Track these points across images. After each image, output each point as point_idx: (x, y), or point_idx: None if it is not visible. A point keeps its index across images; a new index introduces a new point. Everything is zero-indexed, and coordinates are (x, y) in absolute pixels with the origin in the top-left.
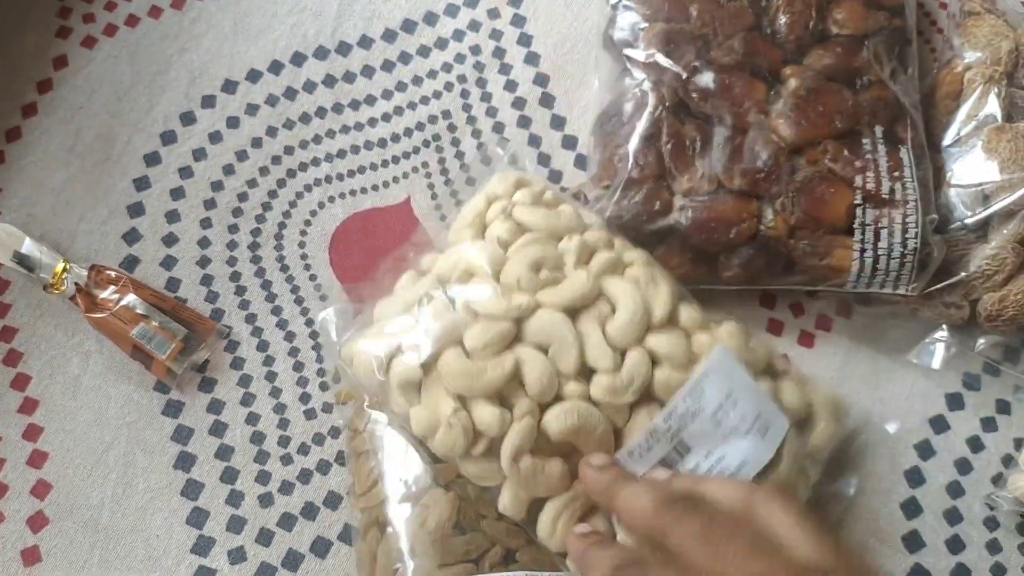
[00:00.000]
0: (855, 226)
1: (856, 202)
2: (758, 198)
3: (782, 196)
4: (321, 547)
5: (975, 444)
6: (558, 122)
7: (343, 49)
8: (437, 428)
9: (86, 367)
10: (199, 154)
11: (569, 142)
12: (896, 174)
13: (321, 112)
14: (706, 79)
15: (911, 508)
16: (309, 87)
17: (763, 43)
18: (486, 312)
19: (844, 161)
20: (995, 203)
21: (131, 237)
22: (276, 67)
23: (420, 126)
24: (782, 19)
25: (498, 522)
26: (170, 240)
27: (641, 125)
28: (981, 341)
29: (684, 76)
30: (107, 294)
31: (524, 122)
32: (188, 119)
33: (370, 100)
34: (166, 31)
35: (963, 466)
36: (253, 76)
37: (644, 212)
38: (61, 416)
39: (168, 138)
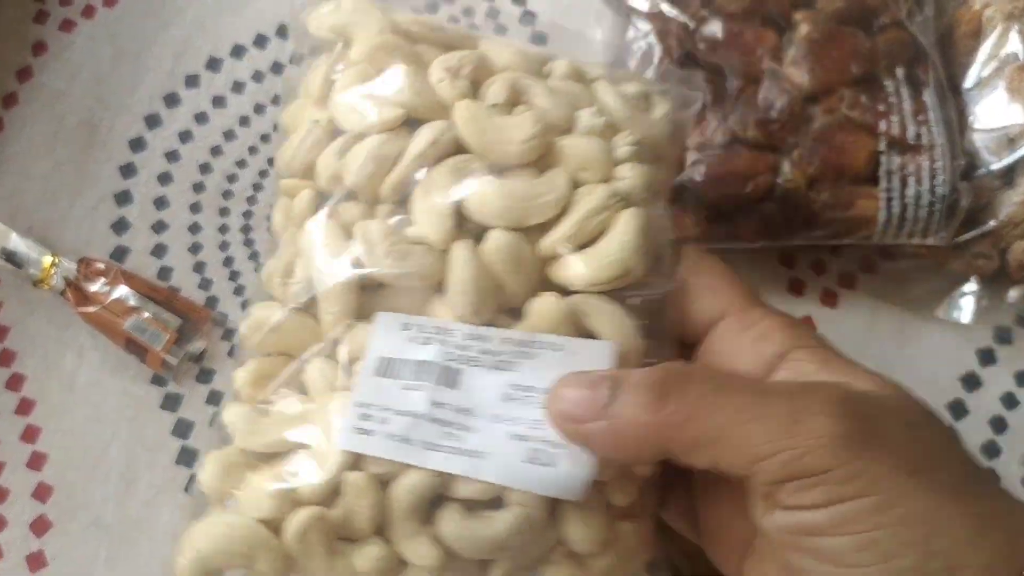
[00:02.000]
0: (880, 174)
1: (880, 149)
2: (774, 150)
3: (799, 147)
4: None
5: (1009, 401)
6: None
7: None
8: None
9: (81, 363)
10: (185, 136)
11: None
12: (920, 118)
13: None
14: (714, 28)
15: None
16: (297, 60)
17: None
18: None
19: (863, 107)
20: (1021, 147)
21: (120, 226)
22: (261, 41)
23: None
24: None
25: None
26: (160, 227)
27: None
28: (1013, 292)
29: (691, 26)
30: (97, 287)
31: None
32: (172, 100)
33: None
34: (146, 8)
35: (998, 425)
36: (237, 52)
37: None
38: (59, 415)
39: (153, 121)
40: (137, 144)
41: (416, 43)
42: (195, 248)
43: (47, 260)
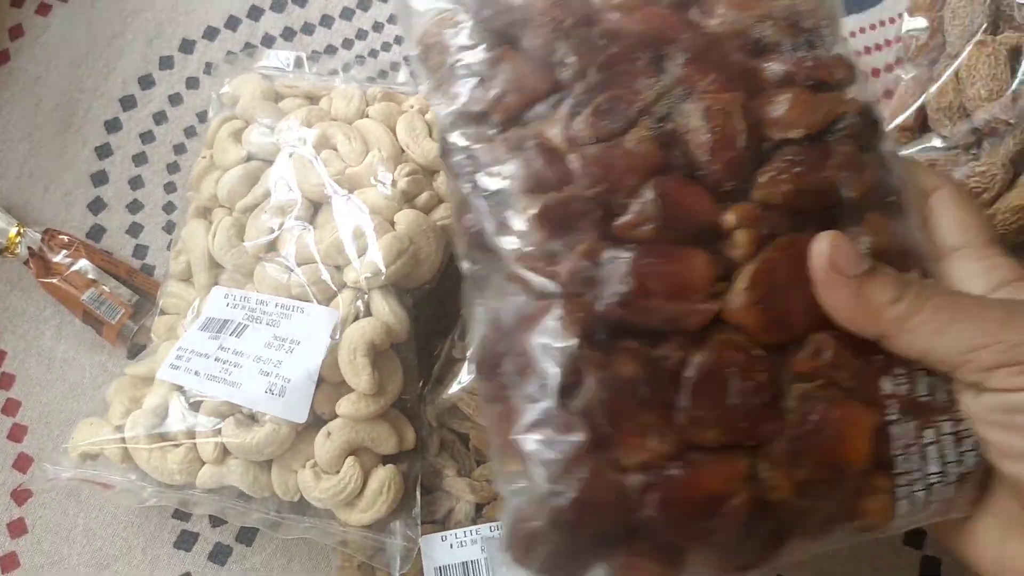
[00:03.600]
0: (894, 453)
1: (889, 418)
2: (746, 449)
3: (779, 438)
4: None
5: None
6: None
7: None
8: None
9: (59, 338)
10: (159, 118)
11: None
12: None
13: None
14: (621, 270)
15: None
16: (268, 41)
17: (685, 187)
18: None
19: (853, 365)
20: (976, 119)
21: (96, 206)
22: (233, 23)
23: (383, 74)
24: (701, 140)
25: (459, 479)
26: (135, 207)
27: (552, 376)
28: None
29: (589, 275)
30: (60, 258)
31: None
32: (147, 82)
33: (331, 50)
34: None
35: None
36: (210, 33)
37: (587, 511)
38: (38, 389)
39: (128, 103)
40: (112, 125)
41: (283, 98)
42: (169, 227)
43: (13, 230)
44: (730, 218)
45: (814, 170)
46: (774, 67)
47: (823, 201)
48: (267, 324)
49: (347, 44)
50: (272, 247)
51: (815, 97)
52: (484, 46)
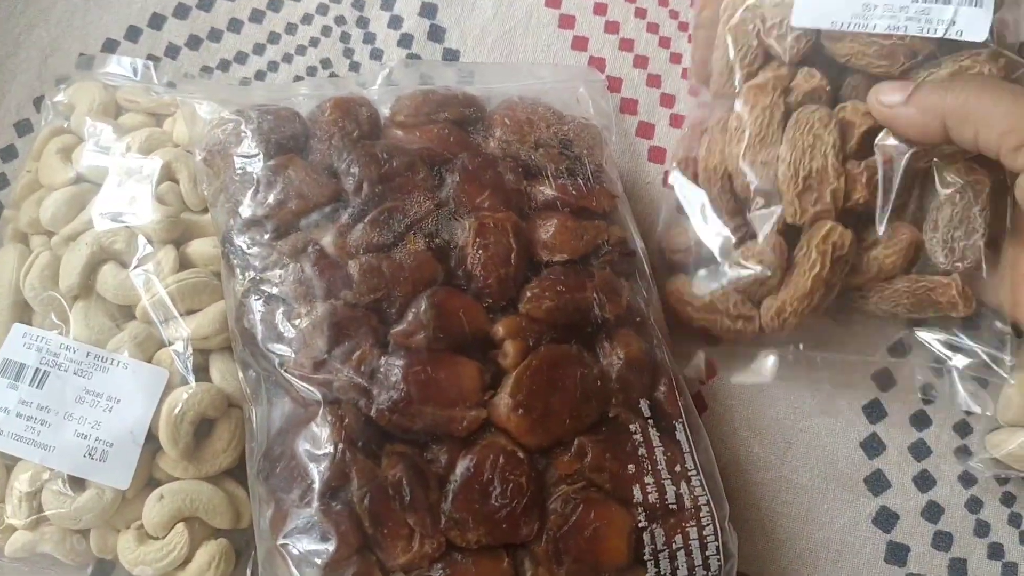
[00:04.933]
0: (646, 557)
1: (640, 524)
2: (509, 548)
3: (542, 538)
4: None
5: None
6: (451, 56)
7: (205, 4)
8: None
9: None
10: None
11: (465, 76)
12: (678, 469)
13: (188, 78)
14: (394, 376)
15: (872, 446)
16: (172, 51)
17: (458, 299)
18: None
19: (611, 468)
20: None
21: None
22: (134, 33)
23: (298, 80)
24: (476, 256)
25: None
26: None
27: (316, 482)
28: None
29: (361, 383)
30: None
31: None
32: (43, 105)
33: (241, 58)
34: (11, 8)
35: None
36: (109, 46)
37: None
38: None
39: (23, 128)
40: (7, 154)
41: (125, 112)
42: None
43: None
44: (499, 330)
45: (575, 290)
46: (544, 191)
47: (582, 317)
48: (75, 374)
49: (259, 50)
50: (90, 290)
51: (580, 224)
52: (264, 155)
